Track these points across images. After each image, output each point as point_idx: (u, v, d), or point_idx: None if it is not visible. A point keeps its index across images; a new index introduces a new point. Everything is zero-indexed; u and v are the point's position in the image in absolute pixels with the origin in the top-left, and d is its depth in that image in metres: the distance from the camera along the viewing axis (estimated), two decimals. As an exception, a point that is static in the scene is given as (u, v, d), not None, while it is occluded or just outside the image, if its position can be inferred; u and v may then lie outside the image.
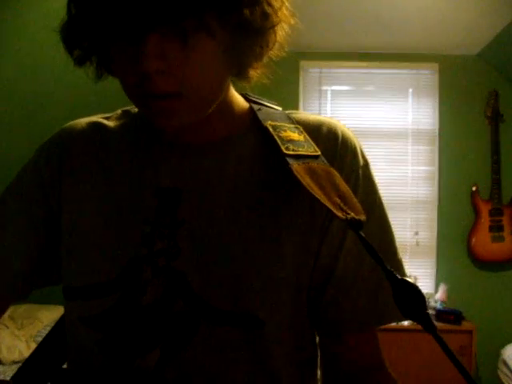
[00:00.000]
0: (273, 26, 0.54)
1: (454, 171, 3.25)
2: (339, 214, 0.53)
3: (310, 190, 0.54)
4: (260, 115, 0.64)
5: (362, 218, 0.53)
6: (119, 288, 0.59)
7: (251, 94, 0.68)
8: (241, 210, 0.60)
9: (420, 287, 0.47)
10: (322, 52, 3.29)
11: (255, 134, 0.63)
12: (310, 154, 0.60)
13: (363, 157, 0.64)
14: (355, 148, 0.64)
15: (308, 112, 0.68)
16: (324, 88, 3.34)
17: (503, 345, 2.92)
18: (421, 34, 2.97)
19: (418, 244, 3.27)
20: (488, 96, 3.17)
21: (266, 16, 0.52)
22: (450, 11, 2.65)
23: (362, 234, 0.51)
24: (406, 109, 3.32)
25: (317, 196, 0.53)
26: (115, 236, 0.60)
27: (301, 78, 3.32)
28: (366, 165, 0.64)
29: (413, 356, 2.81)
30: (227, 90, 0.62)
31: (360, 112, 3.32)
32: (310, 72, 3.36)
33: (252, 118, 0.65)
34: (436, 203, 3.27)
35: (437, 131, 3.29)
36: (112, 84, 0.63)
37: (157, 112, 0.53)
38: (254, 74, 0.59)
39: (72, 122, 0.69)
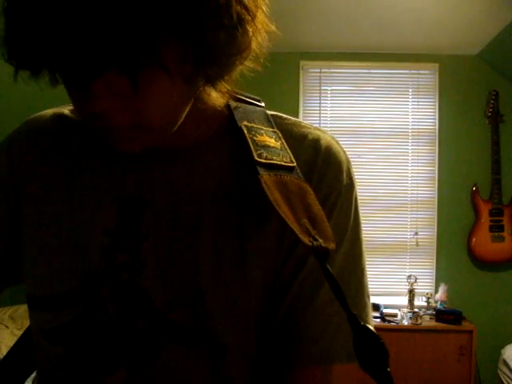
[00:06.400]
0: (243, 50, 0.47)
1: (453, 171, 3.25)
2: (305, 239, 0.48)
3: (277, 207, 0.48)
4: (237, 114, 0.58)
5: (331, 246, 0.48)
6: (78, 301, 0.55)
7: (231, 89, 0.59)
8: (207, 226, 0.55)
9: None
10: (322, 52, 3.29)
11: (231, 136, 0.57)
12: (284, 164, 0.54)
13: (349, 176, 0.58)
14: (340, 165, 0.57)
15: (303, 121, 0.62)
16: (324, 88, 3.34)
17: (503, 345, 2.92)
18: (421, 34, 2.97)
19: (417, 244, 3.26)
20: (488, 96, 3.17)
21: (233, 37, 0.44)
22: (449, 11, 2.65)
23: (328, 266, 0.46)
24: (406, 109, 3.32)
25: (282, 215, 0.48)
26: (73, 247, 0.56)
27: (301, 78, 3.32)
28: (350, 186, 0.58)
29: (413, 356, 2.81)
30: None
31: (360, 112, 3.31)
32: (310, 72, 3.35)
33: (229, 117, 0.58)
34: (436, 203, 3.27)
35: (437, 131, 3.29)
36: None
37: (115, 140, 0.49)
38: (225, 86, 0.53)
39: (37, 115, 0.64)
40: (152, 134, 0.49)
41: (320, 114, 3.33)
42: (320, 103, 3.33)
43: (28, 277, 0.59)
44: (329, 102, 3.35)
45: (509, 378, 2.70)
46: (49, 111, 0.65)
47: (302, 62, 3.31)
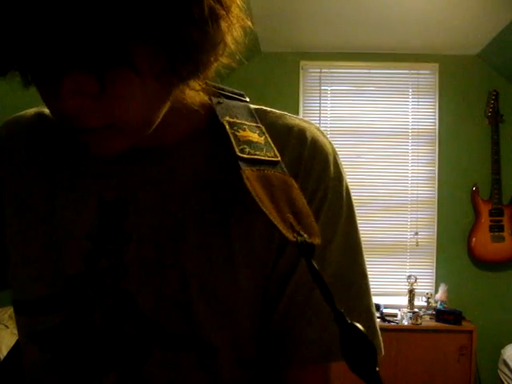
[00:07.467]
0: (216, 46, 0.45)
1: (454, 171, 3.25)
2: (289, 234, 0.46)
3: (259, 203, 0.47)
4: (219, 110, 0.56)
5: (316, 241, 0.46)
6: (63, 306, 0.54)
7: (213, 84, 0.57)
8: (192, 226, 0.53)
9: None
10: (322, 52, 3.30)
11: (213, 133, 0.56)
12: (267, 158, 0.52)
13: (336, 168, 0.56)
14: (327, 157, 0.56)
15: (288, 114, 0.60)
16: (324, 88, 3.34)
17: (503, 345, 2.92)
18: (421, 34, 2.97)
19: (417, 244, 3.27)
20: (488, 96, 3.18)
21: (205, 33, 0.42)
22: (450, 11, 2.65)
23: (313, 262, 0.44)
24: (406, 109, 3.32)
25: (265, 210, 0.46)
26: (55, 251, 0.55)
27: (301, 78, 3.32)
28: (339, 178, 0.56)
29: (413, 356, 2.81)
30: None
31: (360, 112, 3.32)
32: (310, 72, 3.36)
33: (211, 113, 0.56)
34: (436, 203, 3.27)
35: (437, 131, 3.29)
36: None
37: (88, 143, 0.46)
38: (198, 84, 0.50)
39: (18, 115, 0.63)
40: (127, 134, 0.47)
41: (320, 114, 3.33)
42: (320, 103, 3.34)
43: (13, 281, 0.58)
44: (329, 102, 3.35)
45: (509, 377, 2.70)
46: (31, 110, 0.63)
47: (302, 62, 3.31)
